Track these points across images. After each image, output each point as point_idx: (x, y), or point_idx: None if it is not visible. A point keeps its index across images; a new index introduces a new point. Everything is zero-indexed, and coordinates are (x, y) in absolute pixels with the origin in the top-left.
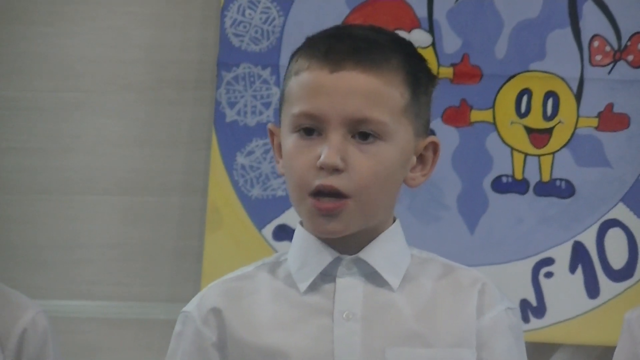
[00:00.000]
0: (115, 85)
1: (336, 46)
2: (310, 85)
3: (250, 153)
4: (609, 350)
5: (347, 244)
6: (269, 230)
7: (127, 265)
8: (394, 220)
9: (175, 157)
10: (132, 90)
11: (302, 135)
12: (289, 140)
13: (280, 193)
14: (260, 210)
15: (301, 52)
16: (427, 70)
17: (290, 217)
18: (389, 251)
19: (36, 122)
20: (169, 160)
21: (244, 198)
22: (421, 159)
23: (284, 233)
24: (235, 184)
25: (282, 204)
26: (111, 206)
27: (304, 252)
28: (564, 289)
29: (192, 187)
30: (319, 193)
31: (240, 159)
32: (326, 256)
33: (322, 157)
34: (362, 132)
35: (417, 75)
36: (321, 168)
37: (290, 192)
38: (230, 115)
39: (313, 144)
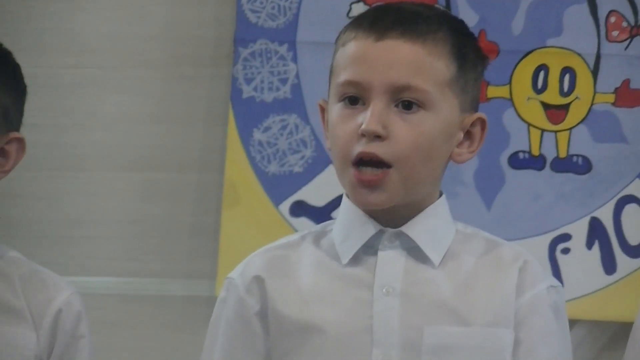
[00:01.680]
0: (132, 61)
1: (382, 17)
2: (355, 54)
3: (267, 129)
4: (626, 326)
5: (391, 217)
6: (285, 206)
7: (144, 242)
8: (441, 195)
9: (192, 134)
10: (149, 67)
11: (346, 104)
12: (334, 110)
13: (297, 169)
14: (277, 186)
15: (349, 25)
16: (476, 48)
17: (307, 194)
18: (432, 226)
19: (53, 99)
20: (186, 137)
21: (260, 174)
22: (468, 135)
23: (301, 209)
24: (252, 160)
25: (299, 180)
26: (128, 182)
27: (348, 224)
28: (581, 265)
29: (209, 164)
30: (361, 161)
31: (257, 135)
32: (369, 229)
33: (363, 124)
34: (405, 100)
35: (464, 50)
36: (363, 135)
37: (334, 162)
38: (247, 91)
39: (356, 113)
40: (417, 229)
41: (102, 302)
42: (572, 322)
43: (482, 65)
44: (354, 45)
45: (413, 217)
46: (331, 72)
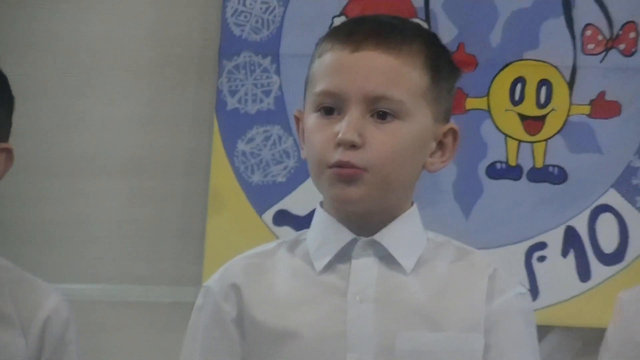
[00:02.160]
0: (119, 70)
1: (358, 28)
2: (332, 64)
3: (250, 140)
4: (600, 332)
5: (364, 226)
6: (269, 215)
7: (131, 248)
8: (412, 204)
9: (179, 142)
10: (137, 77)
11: (322, 114)
12: (311, 119)
13: (280, 179)
14: (261, 195)
15: (326, 36)
16: (449, 60)
17: (290, 203)
18: (404, 234)
19: (42, 104)
20: (172, 145)
21: (244, 184)
22: (441, 145)
23: (284, 218)
24: (236, 170)
25: (282, 190)
26: (115, 188)
27: (322, 233)
28: (556, 273)
29: (195, 170)
30: (336, 166)
31: (241, 146)
32: (343, 237)
33: (340, 133)
34: (380, 110)
35: (438, 61)
36: (339, 144)
37: (311, 168)
38: (232, 103)
39: (333, 122)
40: (389, 237)
41: (89, 308)
42: (548, 329)
43: (455, 77)
44: (331, 56)
45: (385, 225)
46: (307, 82)
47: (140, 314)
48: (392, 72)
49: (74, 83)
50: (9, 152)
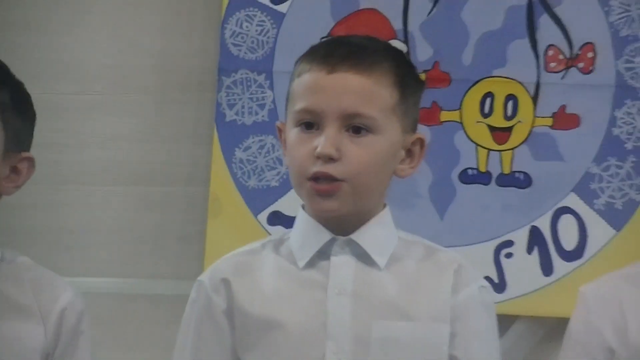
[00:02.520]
0: (127, 88)
1: (334, 51)
2: (310, 84)
3: (247, 148)
4: (561, 321)
5: (342, 227)
6: (263, 216)
7: (138, 247)
8: (384, 207)
9: (181, 152)
10: (143, 93)
11: (302, 129)
12: (292, 134)
13: (274, 184)
14: (256, 198)
15: (304, 57)
16: (415, 76)
17: (282, 205)
18: (378, 234)
19: (58, 121)
20: (175, 155)
21: (241, 188)
22: (409, 153)
23: (277, 219)
24: (234, 175)
25: (275, 193)
26: (123, 195)
27: (304, 233)
28: (522, 268)
29: (196, 178)
30: (316, 178)
31: (239, 154)
32: (323, 236)
33: (319, 147)
34: (355, 126)
35: (405, 78)
36: (318, 157)
37: (292, 178)
38: (230, 115)
39: (312, 137)
40: (364, 236)
41: (100, 300)
42: (514, 318)
43: (420, 91)
44: (309, 77)
45: (361, 226)
46: (288, 99)
47: (146, 305)
48: (365, 91)
49: (86, 103)
50: (31, 161)
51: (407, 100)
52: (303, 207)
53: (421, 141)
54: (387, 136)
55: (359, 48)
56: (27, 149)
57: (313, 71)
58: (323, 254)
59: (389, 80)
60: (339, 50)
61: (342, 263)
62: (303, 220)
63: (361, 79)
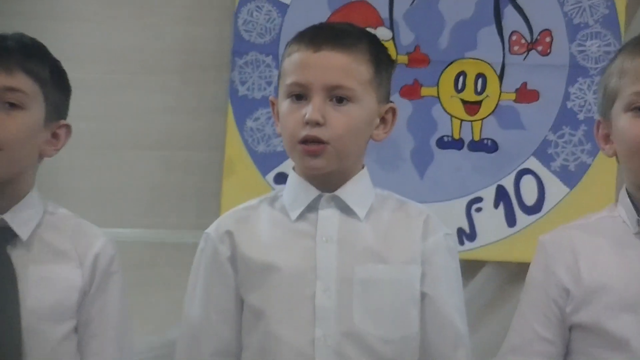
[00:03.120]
0: (154, 69)
1: (319, 34)
2: (299, 62)
3: (256, 119)
4: (523, 265)
5: (327, 184)
6: (270, 176)
7: (163, 203)
8: (363, 167)
9: (200, 122)
10: (167, 73)
11: (293, 100)
12: (284, 105)
13: (279, 149)
14: (264, 161)
15: (293, 40)
16: (387, 55)
17: (286, 167)
18: (358, 190)
19: (94, 96)
20: (195, 124)
21: (252, 152)
22: (383, 120)
23: (282, 178)
24: (245, 142)
25: (280, 157)
26: (150, 158)
27: (295, 190)
28: (490, 220)
29: (213, 144)
30: (306, 141)
31: (249, 123)
32: (311, 193)
33: (307, 115)
34: (337, 96)
35: (379, 56)
36: (307, 123)
37: (285, 142)
38: (242, 90)
39: (301, 106)
40: (347, 192)
41: (131, 248)
42: (483, 263)
43: (392, 67)
44: (298, 56)
45: (343, 183)
46: (280, 75)
47: (170, 252)
48: (345, 66)
49: (120, 81)
50: (68, 127)
51: (380, 74)
52: (294, 168)
53: (393, 110)
54: (365, 105)
55: (340, 31)
56: (64, 117)
57: (301, 51)
58: (312, 208)
59: (365, 58)
60: (323, 34)
61: (328, 215)
62: (294, 180)
63: (342, 56)
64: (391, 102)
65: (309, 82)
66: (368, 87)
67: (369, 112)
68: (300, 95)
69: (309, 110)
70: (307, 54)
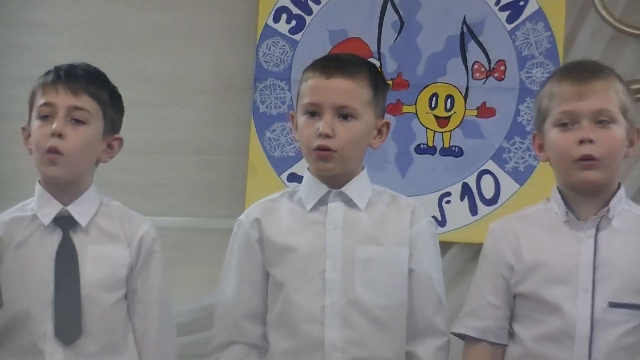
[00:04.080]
0: (194, 90)
1: (329, 64)
2: (314, 86)
3: (273, 131)
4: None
5: (334, 183)
6: (284, 175)
7: (198, 197)
8: (363, 169)
9: (228, 133)
10: (204, 93)
11: (308, 116)
12: (301, 119)
13: (291, 154)
14: (279, 164)
15: (309, 68)
16: (383, 80)
17: (296, 168)
18: (358, 187)
19: (151, 111)
20: (224, 135)
21: (269, 157)
22: (379, 132)
23: (294, 178)
24: (264, 149)
25: (292, 161)
26: (191, 161)
27: (309, 187)
28: (457, 210)
29: (239, 150)
30: (318, 149)
31: (268, 134)
32: (322, 189)
33: (320, 128)
34: (343, 114)
35: (377, 82)
36: (319, 135)
37: (302, 149)
38: (262, 108)
39: (315, 121)
40: (350, 189)
41: (174, 232)
42: (451, 244)
43: (386, 90)
44: (313, 81)
45: (347, 182)
46: (298, 96)
47: (204, 236)
48: (350, 90)
49: (163, 99)
50: (120, 140)
51: (378, 96)
52: (308, 169)
53: (387, 124)
54: (365, 121)
55: (346, 62)
56: (118, 131)
57: (315, 77)
58: (322, 201)
59: (365, 82)
60: (333, 63)
61: (335, 207)
62: (308, 179)
63: (347, 82)
64: (386, 118)
65: (321, 103)
66: (368, 107)
67: (368, 126)
68: (314, 112)
69: (321, 125)
70: (320, 80)
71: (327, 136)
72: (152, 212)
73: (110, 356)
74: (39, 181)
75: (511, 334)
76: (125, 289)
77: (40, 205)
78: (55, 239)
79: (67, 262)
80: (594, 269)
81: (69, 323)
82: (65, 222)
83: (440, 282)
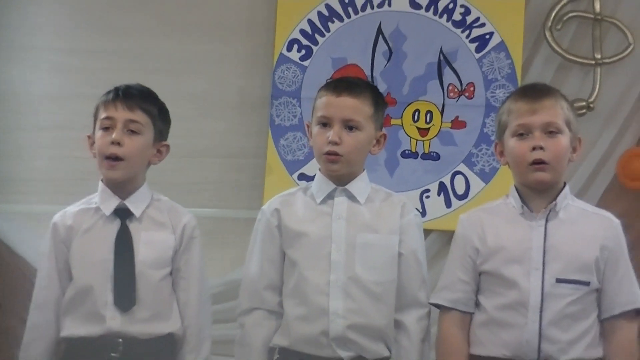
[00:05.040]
0: (221, 105)
1: (340, 85)
2: (326, 102)
3: (286, 139)
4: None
5: (340, 181)
6: (295, 175)
7: (227, 191)
8: (363, 170)
9: (251, 141)
10: (229, 108)
11: (321, 127)
12: (315, 129)
13: (301, 158)
14: (291, 166)
15: (323, 87)
16: (383, 99)
17: (306, 169)
18: (360, 185)
19: (187, 123)
20: (248, 142)
21: (283, 160)
22: (377, 141)
23: (303, 177)
24: (279, 153)
25: (301, 163)
26: (219, 163)
27: (320, 184)
28: (435, 203)
29: (259, 155)
30: (328, 153)
31: (282, 142)
32: (330, 186)
33: (330, 137)
34: (349, 125)
35: (378, 100)
36: (329, 142)
37: (315, 154)
38: (277, 121)
39: (326, 131)
40: (353, 187)
41: (206, 221)
42: (430, 231)
43: (385, 107)
44: (326, 99)
45: (350, 181)
46: (313, 109)
47: (231, 224)
48: (356, 107)
49: (198, 113)
50: (167, 146)
51: (378, 112)
52: (320, 169)
53: (384, 135)
54: (367, 132)
55: (353, 83)
56: (165, 139)
57: (328, 95)
58: (330, 196)
59: (368, 101)
60: (342, 85)
61: (340, 201)
62: (319, 177)
63: (353, 100)
64: (384, 130)
65: (332, 116)
66: (370, 120)
67: (369, 137)
68: (325, 123)
69: (331, 134)
70: (331, 97)
71: (335, 143)
72: (190, 205)
73: (158, 322)
74: (102, 180)
75: (477, 304)
76: (171, 267)
77: (103, 200)
78: (115, 226)
79: (124, 245)
80: (544, 252)
81: (125, 294)
82: (123, 213)
83: (424, 264)
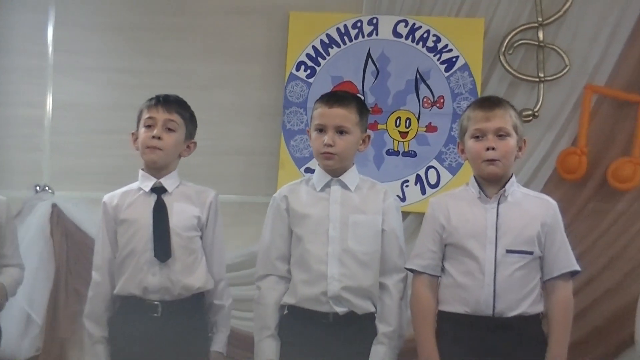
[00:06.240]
0: (241, 113)
1: (331, 98)
2: (321, 112)
3: (295, 140)
4: None
5: (335, 173)
6: (302, 169)
7: (247, 182)
8: (353, 165)
9: (267, 142)
10: (248, 116)
11: (318, 132)
12: (313, 134)
13: (307, 155)
14: (299, 162)
15: (319, 100)
16: (367, 108)
17: (311, 164)
18: (350, 176)
19: (212, 127)
20: (264, 142)
21: (293, 157)
22: (364, 141)
23: (308, 170)
24: (290, 152)
25: (307, 160)
26: (240, 160)
27: (319, 176)
28: (412, 192)
29: (273, 153)
30: (324, 153)
31: (292, 143)
32: (327, 177)
33: (325, 140)
34: (340, 131)
35: (362, 109)
36: (325, 145)
37: (314, 153)
38: (288, 126)
39: (322, 135)
40: (345, 178)
41: (229, 205)
42: (408, 213)
43: (368, 114)
44: (320, 109)
45: (343, 173)
46: (311, 118)
47: (248, 207)
48: (345, 115)
49: (221, 119)
50: (195, 143)
51: (362, 118)
52: (319, 165)
53: (369, 137)
54: (355, 135)
55: (342, 96)
56: (193, 138)
57: (322, 107)
58: (327, 185)
59: (355, 110)
60: (333, 98)
61: (335, 189)
62: (318, 171)
63: (343, 110)
64: (368, 132)
65: (326, 124)
66: (356, 125)
67: (357, 138)
68: (321, 129)
69: (326, 138)
70: (325, 108)
71: (330, 145)
72: (219, 192)
73: (189, 275)
74: (142, 169)
75: (443, 270)
76: (196, 232)
77: (142, 181)
78: (152, 200)
79: (160, 212)
80: (496, 228)
81: (163, 248)
82: (159, 190)
83: (401, 238)
